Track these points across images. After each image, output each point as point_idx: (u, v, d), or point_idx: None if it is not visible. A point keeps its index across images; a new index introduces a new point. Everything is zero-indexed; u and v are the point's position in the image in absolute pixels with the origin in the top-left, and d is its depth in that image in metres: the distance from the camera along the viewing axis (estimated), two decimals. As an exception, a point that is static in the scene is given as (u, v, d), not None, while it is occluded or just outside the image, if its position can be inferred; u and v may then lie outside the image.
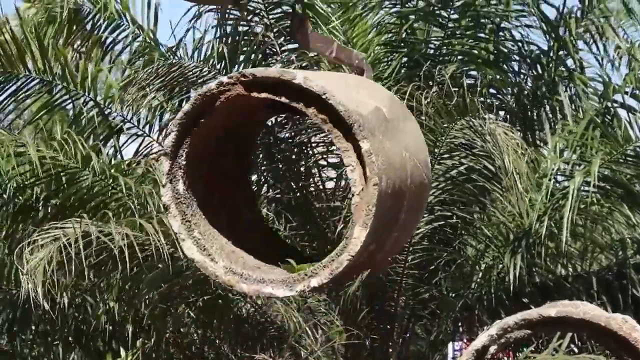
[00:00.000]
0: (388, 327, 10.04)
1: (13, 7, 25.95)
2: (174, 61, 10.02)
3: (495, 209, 9.67)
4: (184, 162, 3.29)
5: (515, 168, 8.53)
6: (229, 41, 10.07)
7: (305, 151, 10.29)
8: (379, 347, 9.97)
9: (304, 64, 9.28)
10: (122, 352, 8.96)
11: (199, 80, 9.76)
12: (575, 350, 8.71)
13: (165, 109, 10.32)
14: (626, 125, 9.16)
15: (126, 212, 9.23)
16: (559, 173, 9.52)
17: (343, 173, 9.90)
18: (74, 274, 8.39)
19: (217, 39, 10.07)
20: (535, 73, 10.33)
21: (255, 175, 9.97)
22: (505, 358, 9.78)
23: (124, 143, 10.53)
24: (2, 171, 9.38)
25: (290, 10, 9.32)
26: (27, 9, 12.19)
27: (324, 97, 3.09)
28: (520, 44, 10.30)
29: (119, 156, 10.47)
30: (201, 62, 9.95)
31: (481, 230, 9.83)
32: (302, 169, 10.39)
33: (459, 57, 10.02)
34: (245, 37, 10.07)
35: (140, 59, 10.39)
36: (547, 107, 10.20)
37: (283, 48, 9.83)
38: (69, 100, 10.18)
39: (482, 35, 10.26)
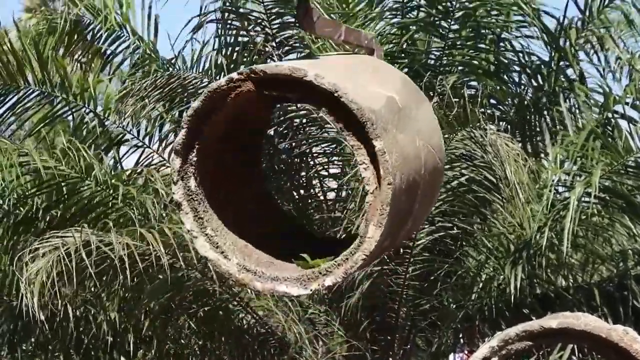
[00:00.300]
0: (389, 338, 10.03)
1: (15, 17, 26.03)
2: (173, 72, 10.04)
3: (495, 220, 9.67)
4: (194, 159, 3.24)
5: (517, 179, 8.53)
6: (229, 52, 10.09)
7: (306, 162, 10.30)
8: (379, 358, 9.95)
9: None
10: (123, 363, 8.96)
11: (199, 92, 9.77)
12: (576, 361, 8.70)
13: (165, 120, 10.33)
14: (627, 136, 9.16)
15: (127, 222, 9.24)
16: (559, 184, 9.52)
17: (344, 184, 9.91)
18: (75, 284, 8.39)
19: (217, 50, 10.09)
20: (535, 83, 10.33)
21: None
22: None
23: (124, 154, 10.55)
24: (4, 181, 9.38)
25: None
26: (28, 19, 12.19)
27: (335, 95, 3.06)
28: (520, 54, 10.31)
29: (119, 167, 10.47)
30: (201, 74, 9.97)
31: (482, 241, 9.83)
32: (302, 179, 10.40)
33: (460, 68, 10.03)
34: (246, 48, 10.08)
35: (140, 70, 10.41)
36: (548, 118, 10.20)
37: (284, 59, 9.84)
38: (69, 112, 10.19)
39: (482, 45, 10.27)
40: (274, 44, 9.98)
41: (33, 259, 8.17)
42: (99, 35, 10.56)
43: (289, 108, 9.88)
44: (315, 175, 10.31)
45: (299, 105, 9.97)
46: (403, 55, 10.09)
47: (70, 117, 10.54)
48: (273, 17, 9.98)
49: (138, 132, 10.26)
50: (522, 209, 8.88)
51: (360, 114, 3.05)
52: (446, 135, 8.81)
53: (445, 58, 10.03)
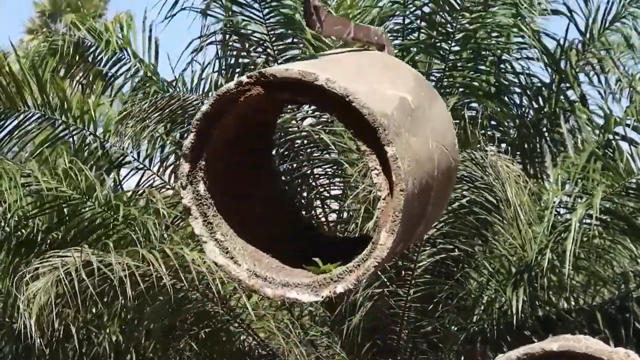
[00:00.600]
0: (390, 360, 10.01)
1: (17, 38, 26.10)
2: (173, 94, 10.06)
3: (497, 242, 9.66)
4: (203, 163, 3.21)
5: (517, 200, 8.53)
6: (230, 73, 10.12)
7: (307, 183, 10.30)
8: (381, 380, 9.93)
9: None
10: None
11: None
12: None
13: (165, 142, 10.34)
14: (628, 158, 9.17)
15: (128, 243, 9.23)
16: (560, 205, 9.51)
17: (345, 205, 9.91)
18: (76, 305, 8.37)
19: (217, 72, 10.12)
20: (536, 105, 10.35)
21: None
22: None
23: (125, 176, 10.55)
24: (4, 203, 9.38)
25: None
26: (30, 40, 12.25)
27: (347, 99, 3.01)
28: (521, 76, 10.33)
29: (119, 189, 10.47)
30: (201, 95, 9.99)
31: (483, 263, 9.82)
32: (304, 201, 10.40)
33: (460, 89, 10.04)
34: (247, 69, 10.10)
35: (141, 91, 10.42)
36: (549, 139, 10.21)
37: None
38: (70, 134, 10.19)
39: (483, 67, 10.29)
40: (276, 65, 10.00)
41: (33, 279, 8.16)
42: (100, 57, 10.60)
43: (289, 129, 9.90)
44: (317, 196, 10.31)
45: (299, 126, 10.00)
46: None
47: (71, 139, 10.54)
48: (275, 38, 10.01)
49: (138, 154, 10.27)
50: (523, 230, 8.88)
51: (372, 119, 3.00)
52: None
53: (446, 79, 10.05)
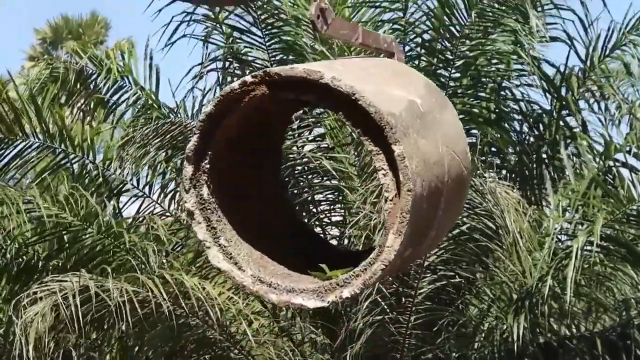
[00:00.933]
0: (391, 387, 9.96)
1: (18, 65, 26.17)
2: (175, 120, 10.07)
3: (497, 269, 9.64)
4: (207, 166, 3.15)
5: (517, 227, 8.52)
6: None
7: (308, 209, 10.29)
8: (382, 408, 9.88)
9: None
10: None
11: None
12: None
13: (166, 169, 10.34)
14: (629, 185, 9.17)
15: (128, 269, 9.22)
16: (561, 232, 9.50)
17: (346, 232, 9.90)
18: (75, 330, 8.34)
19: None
20: (537, 132, 10.36)
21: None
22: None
23: (125, 204, 10.53)
24: (4, 230, 9.37)
25: None
26: (30, 67, 12.28)
27: (353, 97, 2.94)
28: (521, 103, 10.35)
29: (119, 217, 10.46)
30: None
31: (484, 290, 9.79)
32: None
33: (460, 116, 10.02)
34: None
35: (143, 117, 10.43)
36: (549, 166, 10.21)
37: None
38: (69, 162, 10.18)
39: (483, 94, 10.31)
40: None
41: (31, 304, 8.14)
42: (101, 85, 10.62)
43: (290, 156, 9.90)
44: (317, 223, 10.30)
45: (300, 153, 10.00)
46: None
47: (71, 166, 10.53)
48: (276, 64, 10.03)
49: (138, 181, 10.26)
50: (522, 257, 8.86)
51: (379, 118, 2.93)
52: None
53: (446, 106, 10.05)
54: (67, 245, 9.72)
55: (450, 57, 9.90)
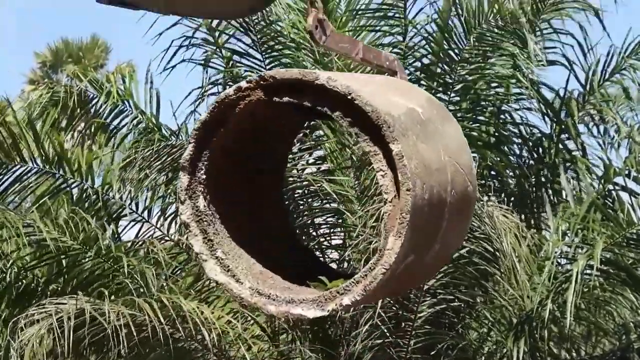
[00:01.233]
0: (392, 412, 9.93)
1: (18, 89, 26.23)
2: (175, 142, 10.09)
3: (497, 292, 9.63)
4: (203, 177, 3.09)
5: (515, 251, 8.52)
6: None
7: (307, 233, 10.29)
8: None
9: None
10: None
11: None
12: None
13: (166, 192, 10.34)
14: (628, 209, 9.17)
15: (127, 293, 9.21)
16: (561, 256, 9.50)
17: (345, 255, 9.90)
18: (72, 353, 8.32)
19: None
20: (536, 155, 10.37)
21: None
22: None
23: (123, 229, 10.52)
24: (3, 255, 9.37)
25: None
26: (30, 91, 12.28)
27: (349, 97, 2.88)
28: (521, 126, 10.37)
29: (118, 241, 10.45)
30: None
31: (484, 313, 9.78)
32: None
33: (461, 140, 10.05)
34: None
35: (143, 138, 10.42)
36: (549, 189, 10.22)
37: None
38: (68, 187, 10.17)
39: (482, 117, 10.34)
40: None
41: (28, 326, 8.13)
42: (101, 109, 10.63)
43: (289, 179, 9.91)
44: (317, 246, 10.30)
45: (300, 177, 10.01)
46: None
47: (71, 190, 10.53)
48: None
49: (137, 205, 10.25)
50: (520, 281, 8.85)
51: (376, 117, 2.87)
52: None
53: (446, 130, 10.06)
54: (66, 269, 9.70)
55: (450, 80, 9.93)
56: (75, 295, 8.57)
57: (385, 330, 9.34)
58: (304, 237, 10.05)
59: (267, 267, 3.17)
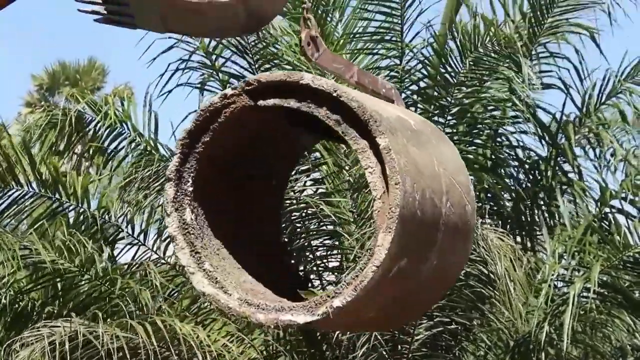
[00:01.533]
0: None
1: (15, 111, 26.23)
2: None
3: (493, 315, 9.62)
4: (190, 188, 3.06)
5: (509, 274, 8.52)
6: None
7: (304, 255, 10.28)
8: None
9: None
10: None
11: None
12: None
13: (162, 214, 10.33)
14: (625, 231, 9.18)
15: (122, 316, 9.18)
16: (558, 278, 9.50)
17: (342, 278, 9.89)
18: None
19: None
20: (532, 178, 10.38)
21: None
22: None
23: (119, 252, 10.49)
24: (2, 276, 9.35)
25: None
26: (27, 113, 12.28)
27: (334, 94, 2.86)
28: (517, 149, 10.39)
29: (114, 264, 10.42)
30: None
31: (480, 336, 9.77)
32: (301, 273, 10.34)
33: (457, 163, 10.06)
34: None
35: (143, 160, 10.38)
36: (545, 212, 10.22)
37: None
38: (64, 210, 10.16)
39: (479, 141, 10.35)
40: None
41: (22, 349, 8.11)
42: (99, 131, 10.62)
43: (286, 202, 9.91)
44: (314, 269, 10.29)
45: (298, 199, 10.01)
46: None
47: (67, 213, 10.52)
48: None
49: (133, 228, 10.22)
50: (514, 304, 8.84)
51: (362, 112, 2.84)
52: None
53: (442, 153, 10.07)
54: (62, 292, 9.68)
55: (446, 104, 9.96)
56: (69, 318, 8.55)
57: (383, 352, 9.33)
58: (301, 260, 10.04)
59: (258, 274, 3.13)
